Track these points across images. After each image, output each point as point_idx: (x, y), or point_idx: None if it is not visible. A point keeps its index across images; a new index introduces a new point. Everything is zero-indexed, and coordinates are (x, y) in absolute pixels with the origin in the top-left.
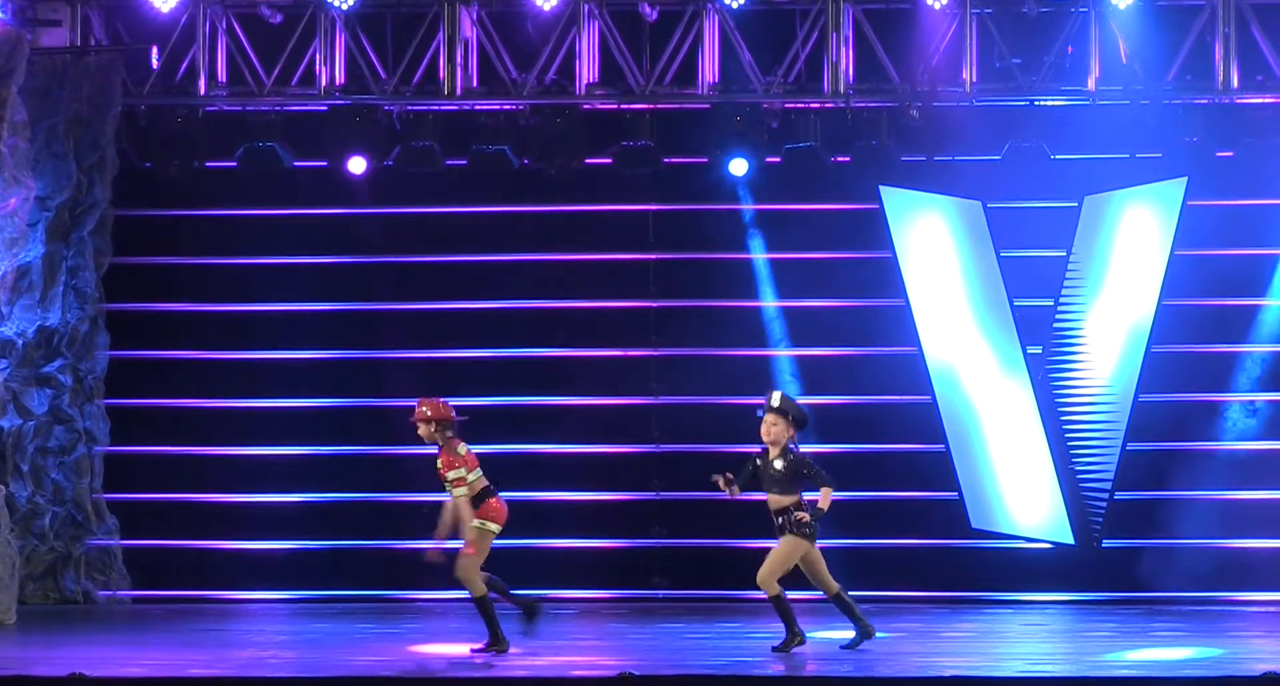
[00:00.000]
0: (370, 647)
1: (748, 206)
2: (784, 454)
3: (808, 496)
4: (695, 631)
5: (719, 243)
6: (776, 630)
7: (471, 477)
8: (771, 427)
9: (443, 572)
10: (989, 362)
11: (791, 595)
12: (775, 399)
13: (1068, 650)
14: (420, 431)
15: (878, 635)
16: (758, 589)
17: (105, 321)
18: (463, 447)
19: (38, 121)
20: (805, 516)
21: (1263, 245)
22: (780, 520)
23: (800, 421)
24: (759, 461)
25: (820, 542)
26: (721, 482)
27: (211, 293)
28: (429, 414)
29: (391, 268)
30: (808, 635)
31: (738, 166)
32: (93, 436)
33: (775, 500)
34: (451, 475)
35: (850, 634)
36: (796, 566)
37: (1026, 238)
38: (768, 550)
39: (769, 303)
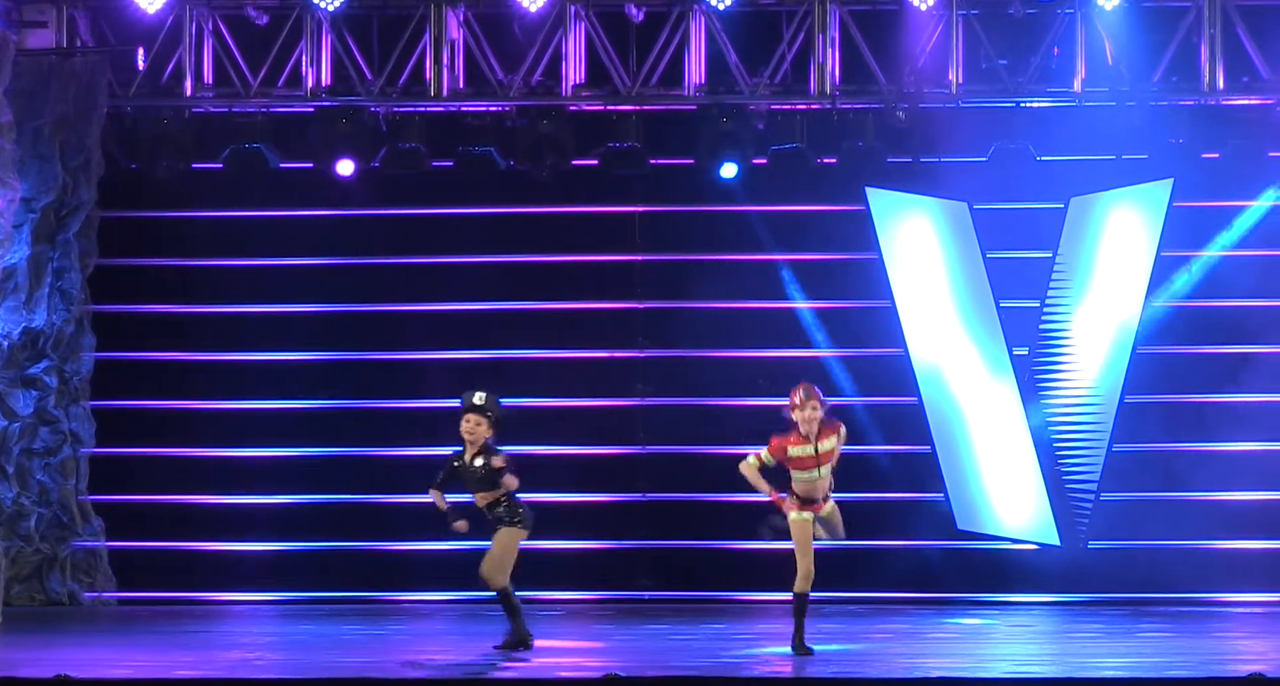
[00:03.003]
0: (357, 649)
1: (734, 208)
2: (483, 452)
3: None
4: (681, 632)
5: (705, 244)
6: (763, 630)
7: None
8: (476, 427)
9: (426, 573)
10: (975, 364)
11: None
12: (477, 397)
13: (1054, 651)
14: (818, 414)
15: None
16: (744, 589)
17: (91, 323)
18: None
19: (23, 123)
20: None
21: (1248, 247)
22: (491, 515)
23: (501, 422)
24: (456, 462)
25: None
26: (461, 525)
27: (197, 294)
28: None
29: (376, 269)
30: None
31: (728, 170)
32: (78, 438)
33: (481, 498)
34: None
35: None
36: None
37: (1012, 239)
38: (754, 552)
39: (756, 303)
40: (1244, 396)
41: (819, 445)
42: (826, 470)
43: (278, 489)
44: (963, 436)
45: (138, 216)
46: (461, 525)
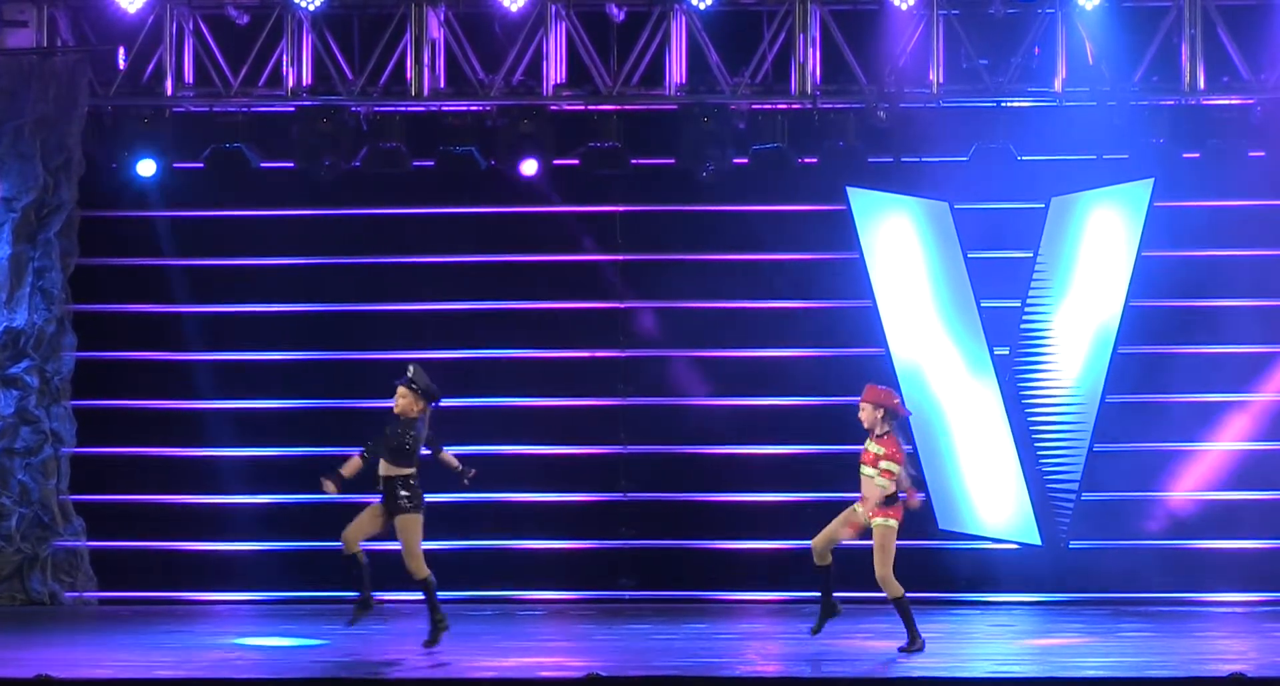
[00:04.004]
0: (338, 648)
1: (715, 207)
2: (411, 425)
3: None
4: (662, 632)
5: (686, 244)
6: (744, 630)
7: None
8: (400, 399)
9: (407, 573)
10: (956, 363)
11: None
12: (409, 371)
13: (1035, 650)
14: (864, 415)
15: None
16: (725, 589)
17: (72, 322)
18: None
19: (3, 123)
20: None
21: (1228, 246)
22: (387, 491)
23: (429, 394)
24: (388, 429)
25: (785, 544)
26: (329, 486)
27: (178, 294)
28: (878, 400)
29: (358, 269)
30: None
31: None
32: (59, 437)
33: (387, 468)
34: (885, 465)
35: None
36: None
37: (993, 239)
38: (736, 552)
39: (737, 303)
40: (1224, 396)
41: (869, 444)
42: (871, 473)
43: (259, 488)
44: (944, 436)
45: (118, 216)
46: (330, 486)
